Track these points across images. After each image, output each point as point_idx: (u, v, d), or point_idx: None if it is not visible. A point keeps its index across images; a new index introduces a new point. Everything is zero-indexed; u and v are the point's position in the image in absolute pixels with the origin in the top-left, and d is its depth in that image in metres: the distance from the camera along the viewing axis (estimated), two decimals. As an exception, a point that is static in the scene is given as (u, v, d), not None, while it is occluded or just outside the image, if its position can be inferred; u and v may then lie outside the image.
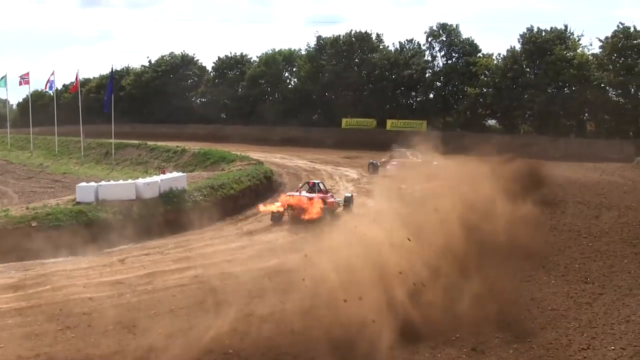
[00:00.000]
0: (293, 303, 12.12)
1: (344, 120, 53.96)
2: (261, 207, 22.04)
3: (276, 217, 21.08)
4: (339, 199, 22.82)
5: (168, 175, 22.47)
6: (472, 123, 49.02)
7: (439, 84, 52.15)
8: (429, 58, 53.48)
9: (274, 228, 20.19)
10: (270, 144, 48.51)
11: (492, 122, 51.25)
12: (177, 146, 39.57)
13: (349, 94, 55.00)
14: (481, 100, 48.92)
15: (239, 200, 23.84)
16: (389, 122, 50.75)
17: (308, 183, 23.12)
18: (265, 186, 27.06)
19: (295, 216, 20.75)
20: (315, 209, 20.48)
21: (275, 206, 21.23)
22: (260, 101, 60.57)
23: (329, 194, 22.33)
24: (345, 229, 19.05)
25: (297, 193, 21.84)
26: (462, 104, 49.69)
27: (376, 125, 51.99)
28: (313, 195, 21.33)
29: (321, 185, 22.82)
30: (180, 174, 23.63)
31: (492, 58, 49.27)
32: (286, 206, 20.98)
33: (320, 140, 48.16)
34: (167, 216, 19.62)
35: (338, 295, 11.06)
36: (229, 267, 14.89)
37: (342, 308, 10.73)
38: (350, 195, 23.24)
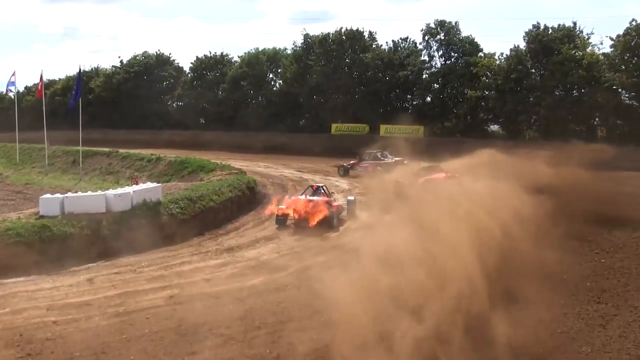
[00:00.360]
0: (280, 327, 12.07)
1: (333, 126, 54.10)
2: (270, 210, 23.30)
3: (281, 221, 22.16)
4: (342, 203, 23.98)
5: (141, 186, 22.31)
6: (473, 129, 49.32)
7: (436, 86, 52.40)
8: (426, 58, 53.82)
9: (257, 243, 20.11)
10: (253, 152, 48.51)
11: (494, 127, 51.58)
12: (152, 154, 39.44)
13: (339, 97, 55.11)
14: (482, 103, 49.21)
15: (219, 213, 23.76)
16: (382, 127, 50.82)
17: (312, 187, 24.03)
18: (248, 198, 27.02)
19: (301, 220, 21.84)
20: (321, 213, 21.55)
21: (280, 209, 22.42)
22: (243, 105, 60.62)
23: (332, 198, 23.45)
24: (344, 242, 19.18)
25: (303, 197, 22.91)
26: (462, 108, 49.97)
27: (369, 130, 52.05)
28: (319, 198, 22.43)
29: (324, 188, 23.87)
30: (155, 184, 23.47)
31: (494, 58, 49.56)
32: (292, 210, 22.17)
33: (307, 147, 48.24)
34: (140, 231, 19.41)
35: (337, 332, 10.96)
36: (208, 287, 14.80)
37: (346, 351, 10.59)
38: (353, 199, 24.40)
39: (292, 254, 18.22)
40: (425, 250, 13.00)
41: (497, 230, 14.27)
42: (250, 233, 21.82)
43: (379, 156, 36.71)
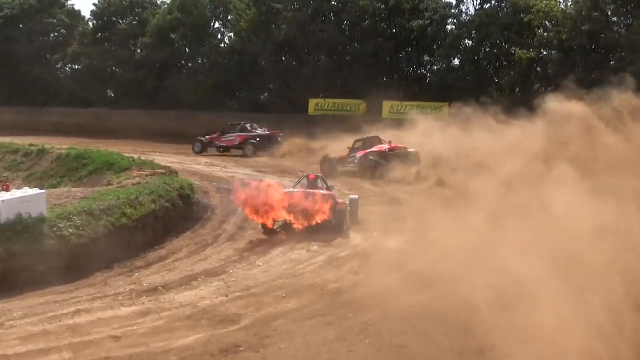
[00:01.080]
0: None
1: (312, 102, 54.26)
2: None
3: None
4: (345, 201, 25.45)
5: (14, 193, 22.06)
6: (524, 105, 49.32)
7: (468, 42, 52.78)
8: (452, 0, 54.21)
9: (195, 281, 19.87)
10: (189, 141, 48.20)
11: (554, 104, 51.67)
12: (31, 144, 39.05)
13: (320, 60, 55.21)
14: (538, 69, 49.47)
15: (136, 234, 23.52)
16: (386, 104, 50.93)
17: (308, 176, 25.67)
18: (180, 211, 26.76)
19: (299, 222, 23.34)
20: (324, 211, 23.14)
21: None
22: (173, 70, 60.66)
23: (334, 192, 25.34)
24: (327, 278, 19.09)
25: (296, 189, 24.60)
26: (508, 76, 50.11)
27: (365, 109, 52.09)
28: (321, 191, 24.18)
29: (323, 180, 25.72)
30: (36, 190, 23.22)
31: (556, 0, 49.82)
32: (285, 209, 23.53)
33: (272, 133, 48.03)
34: (11, 262, 19.20)
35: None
36: (117, 349, 14.59)
37: None
38: (356, 197, 26.00)
39: (248, 297, 18.02)
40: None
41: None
42: (183, 265, 21.57)
43: (248, 128, 45.75)
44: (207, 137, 45.77)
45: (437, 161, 32.93)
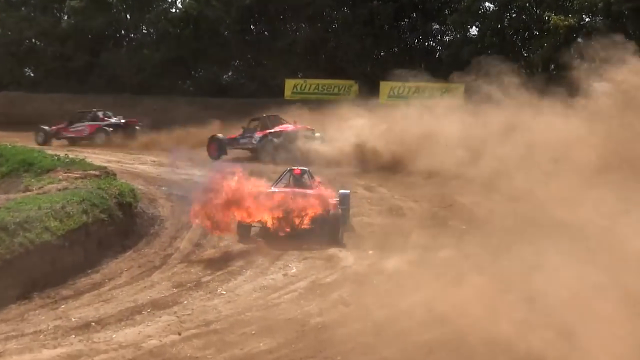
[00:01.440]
0: None
1: (289, 84, 54.44)
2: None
3: (244, 229, 24.39)
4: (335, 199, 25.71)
5: None
6: (558, 86, 49.40)
7: (490, 6, 52.88)
8: (468, -48, 54.23)
9: (138, 315, 19.69)
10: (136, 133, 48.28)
11: (601, 85, 51.83)
12: None
13: (300, 29, 55.24)
14: (579, 40, 49.45)
15: (62, 254, 23.23)
16: (384, 86, 51.03)
17: (293, 171, 26.13)
18: (120, 224, 26.47)
19: (283, 228, 23.71)
20: (316, 213, 23.71)
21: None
22: (110, 43, 60.62)
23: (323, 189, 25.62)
24: (309, 310, 18.96)
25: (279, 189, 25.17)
26: (540, 49, 50.17)
27: (357, 92, 52.08)
28: (311, 190, 24.76)
29: (311, 175, 26.05)
30: None
31: (601, -47, 50.03)
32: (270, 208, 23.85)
33: (236, 124, 47.80)
34: None
35: None
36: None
37: None
38: (347, 192, 26.61)
39: (208, 336, 17.84)
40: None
41: None
42: (123, 294, 21.35)
43: (100, 116, 48.87)
44: (54, 127, 48.75)
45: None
